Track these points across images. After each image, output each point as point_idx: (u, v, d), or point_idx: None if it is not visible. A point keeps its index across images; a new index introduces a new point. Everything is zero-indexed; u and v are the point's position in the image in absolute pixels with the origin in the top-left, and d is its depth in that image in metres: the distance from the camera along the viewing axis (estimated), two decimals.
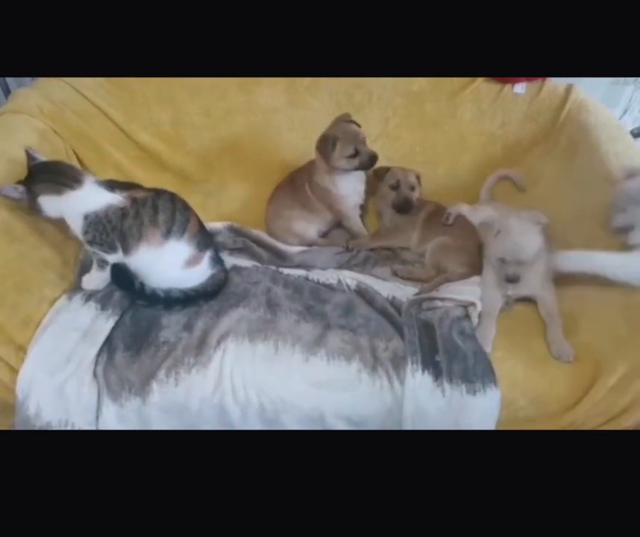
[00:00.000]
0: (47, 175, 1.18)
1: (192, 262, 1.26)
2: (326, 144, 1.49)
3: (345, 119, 1.53)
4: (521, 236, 1.30)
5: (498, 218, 1.37)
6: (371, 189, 1.70)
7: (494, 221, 1.36)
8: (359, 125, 1.52)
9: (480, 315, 1.31)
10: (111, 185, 1.21)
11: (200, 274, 1.29)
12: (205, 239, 1.31)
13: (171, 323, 1.23)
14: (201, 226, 1.32)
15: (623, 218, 1.24)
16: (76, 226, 1.20)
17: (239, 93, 1.65)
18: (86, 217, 1.17)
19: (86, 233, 1.19)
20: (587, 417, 1.17)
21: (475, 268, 1.49)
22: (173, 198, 1.27)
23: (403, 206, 1.60)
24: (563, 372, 1.20)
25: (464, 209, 1.57)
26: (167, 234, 1.22)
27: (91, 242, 1.20)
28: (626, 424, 1.16)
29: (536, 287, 1.33)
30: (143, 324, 1.23)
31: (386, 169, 1.62)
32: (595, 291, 1.28)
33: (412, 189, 1.61)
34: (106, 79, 1.56)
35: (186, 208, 1.28)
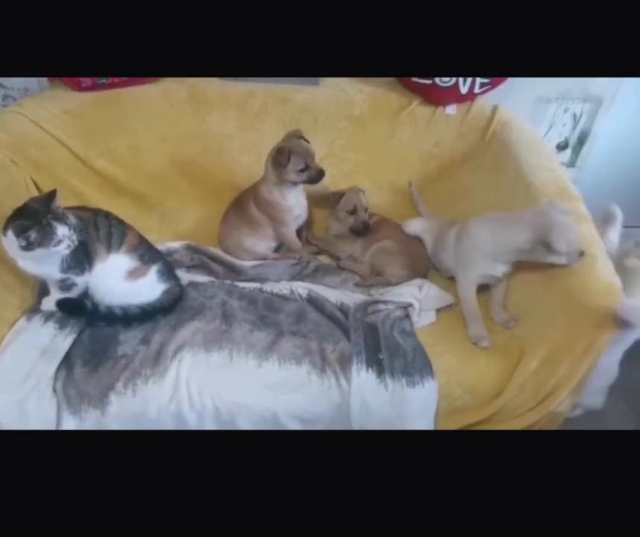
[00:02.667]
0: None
1: (135, 274, 1.32)
2: (282, 156, 1.55)
3: (296, 135, 1.61)
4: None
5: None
6: (320, 206, 1.80)
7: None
8: (308, 141, 1.61)
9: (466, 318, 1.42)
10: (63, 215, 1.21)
11: (149, 287, 1.35)
12: (150, 254, 1.37)
13: (129, 338, 1.29)
14: (142, 240, 1.38)
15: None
16: (53, 257, 1.21)
17: (192, 120, 1.73)
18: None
19: (63, 261, 1.22)
20: (516, 402, 1.29)
21: (416, 271, 1.61)
22: (108, 214, 1.34)
23: (362, 230, 1.69)
24: (493, 362, 1.31)
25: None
26: (108, 248, 1.29)
27: (67, 269, 1.24)
28: (552, 406, 1.29)
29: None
30: (101, 341, 1.28)
31: (341, 194, 1.70)
32: (519, 285, 1.42)
33: (366, 210, 1.71)
34: (63, 110, 1.61)
35: (121, 223, 1.35)
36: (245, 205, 1.70)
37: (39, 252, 1.14)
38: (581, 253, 1.25)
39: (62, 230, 1.16)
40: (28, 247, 1.13)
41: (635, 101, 1.99)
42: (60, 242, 1.16)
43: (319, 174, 1.60)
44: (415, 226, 1.68)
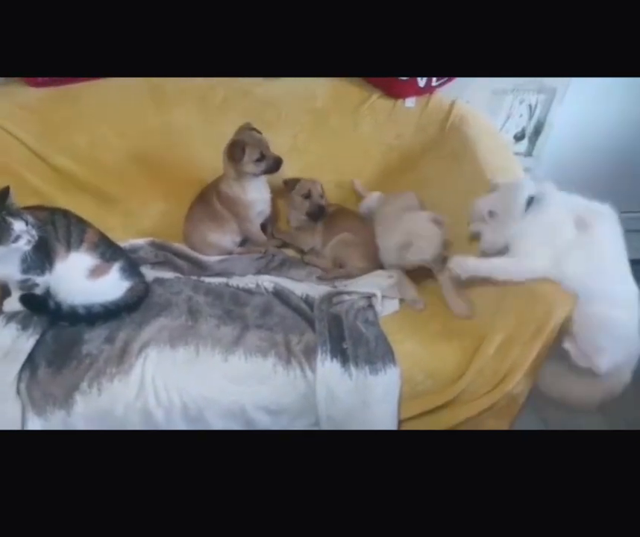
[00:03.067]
0: None
1: (97, 272, 1.31)
2: (236, 149, 1.57)
3: (248, 127, 1.63)
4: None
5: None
6: (283, 198, 1.82)
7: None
8: (260, 132, 1.63)
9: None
10: (18, 211, 1.20)
11: (111, 284, 1.34)
12: (111, 251, 1.37)
13: (93, 337, 1.28)
14: (103, 238, 1.37)
15: (474, 227, 1.44)
16: (12, 258, 1.20)
17: (153, 115, 1.71)
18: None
19: (23, 261, 1.21)
20: (475, 385, 1.34)
21: (376, 261, 1.66)
22: (66, 213, 1.33)
23: (317, 213, 1.73)
24: (453, 347, 1.36)
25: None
26: (68, 247, 1.28)
27: (27, 270, 1.22)
28: (507, 388, 1.34)
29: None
30: (65, 341, 1.27)
31: (296, 180, 1.74)
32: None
33: (322, 196, 1.75)
34: (18, 106, 1.58)
35: (80, 221, 1.34)
36: (208, 200, 1.71)
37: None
38: (443, 259, 1.37)
39: (18, 226, 1.14)
40: None
41: (587, 90, 2.07)
42: (18, 237, 1.15)
43: (276, 162, 1.61)
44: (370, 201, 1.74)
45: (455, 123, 1.75)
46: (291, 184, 1.74)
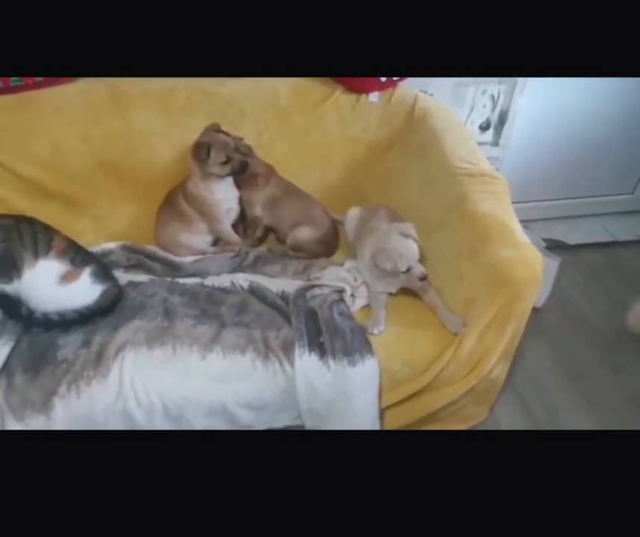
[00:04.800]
0: None
1: (67, 277, 1.31)
2: (201, 150, 1.56)
3: (214, 128, 1.62)
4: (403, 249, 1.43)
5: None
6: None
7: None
8: (227, 134, 1.62)
9: (370, 304, 1.50)
10: None
11: (83, 289, 1.33)
12: (81, 256, 1.36)
13: (69, 342, 1.28)
14: (72, 243, 1.36)
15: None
16: None
17: (114, 118, 1.68)
18: None
19: None
20: (451, 370, 1.39)
21: (333, 247, 1.77)
22: (32, 220, 1.32)
23: (239, 169, 1.63)
24: (427, 335, 1.42)
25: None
26: (36, 255, 1.27)
27: None
28: (484, 372, 1.40)
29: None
30: (40, 347, 1.26)
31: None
32: (447, 266, 1.51)
33: (237, 149, 1.64)
34: None
35: (47, 228, 1.34)
36: (175, 201, 1.70)
37: None
38: (420, 277, 1.41)
39: None
40: None
41: (546, 80, 2.13)
42: None
43: (242, 165, 1.62)
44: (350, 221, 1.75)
45: (420, 116, 1.78)
46: (245, 164, 1.65)
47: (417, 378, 1.39)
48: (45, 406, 1.18)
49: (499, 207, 1.45)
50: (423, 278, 1.42)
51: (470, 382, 1.41)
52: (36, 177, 1.64)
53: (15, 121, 1.60)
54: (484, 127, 2.28)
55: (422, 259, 1.44)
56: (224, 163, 1.59)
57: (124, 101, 1.69)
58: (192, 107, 1.74)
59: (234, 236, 1.77)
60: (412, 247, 1.42)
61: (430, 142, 1.71)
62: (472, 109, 2.21)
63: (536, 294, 1.36)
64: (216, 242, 1.79)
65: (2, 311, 1.27)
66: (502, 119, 2.24)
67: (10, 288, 1.25)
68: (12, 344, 1.25)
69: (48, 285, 1.28)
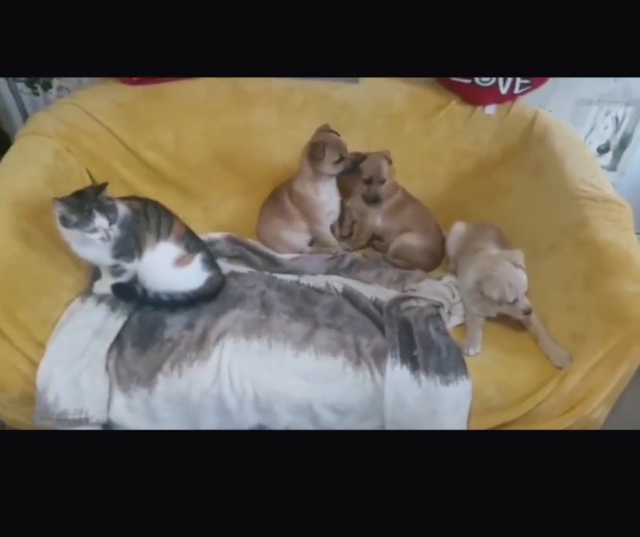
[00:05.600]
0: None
1: (182, 261, 1.38)
2: (317, 149, 1.62)
3: (326, 129, 1.67)
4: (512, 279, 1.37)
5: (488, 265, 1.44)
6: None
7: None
8: (338, 134, 1.66)
9: (467, 324, 1.45)
10: (108, 208, 1.28)
11: (193, 274, 1.41)
12: (194, 243, 1.44)
13: (174, 322, 1.35)
14: (188, 230, 1.44)
15: None
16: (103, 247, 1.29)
17: (235, 114, 1.78)
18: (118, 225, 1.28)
19: (115, 246, 1.29)
20: (548, 404, 1.29)
21: (437, 261, 1.72)
22: (157, 205, 1.41)
23: (372, 201, 1.73)
24: (526, 364, 1.33)
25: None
26: (157, 237, 1.35)
27: (117, 256, 1.32)
28: (585, 412, 1.29)
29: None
30: (149, 324, 1.35)
31: (362, 158, 1.71)
32: (555, 294, 1.42)
33: (383, 182, 1.71)
34: (114, 103, 1.69)
35: (169, 213, 1.42)
36: (279, 198, 1.76)
37: (76, 233, 1.23)
38: (525, 311, 1.34)
39: (100, 221, 1.23)
40: (65, 223, 1.21)
41: None
42: (94, 230, 1.23)
43: (354, 164, 1.66)
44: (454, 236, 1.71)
45: (539, 133, 1.69)
46: (357, 161, 1.71)
47: (511, 408, 1.32)
48: (149, 381, 1.25)
49: (624, 237, 1.34)
50: (527, 312, 1.35)
51: (567, 420, 1.31)
52: (159, 164, 1.77)
53: (146, 111, 1.73)
54: (602, 150, 2.13)
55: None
56: (337, 162, 1.64)
57: (245, 99, 1.78)
58: (307, 108, 1.79)
59: (332, 239, 1.79)
60: (521, 278, 1.35)
61: (548, 161, 1.61)
62: (592, 129, 2.07)
63: None
64: (312, 242, 1.83)
65: (118, 294, 1.37)
66: (623, 143, 2.09)
67: (129, 266, 1.35)
68: (125, 318, 1.34)
69: (164, 266, 1.37)
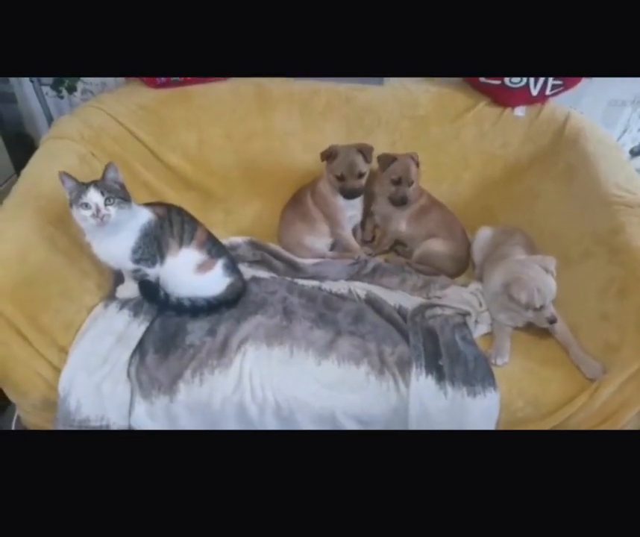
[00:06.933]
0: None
1: (203, 267, 1.37)
2: (327, 151, 1.64)
3: (366, 148, 1.65)
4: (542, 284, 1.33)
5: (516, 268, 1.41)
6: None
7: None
8: (369, 161, 1.66)
9: (494, 332, 1.41)
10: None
11: (215, 280, 1.40)
12: (216, 248, 1.42)
13: (196, 328, 1.34)
14: (210, 236, 1.43)
15: None
16: (124, 246, 1.28)
17: (257, 118, 1.77)
18: (140, 229, 1.28)
19: (136, 250, 1.28)
20: (579, 418, 1.24)
21: (463, 268, 1.68)
22: (180, 211, 1.40)
23: (399, 203, 1.70)
24: (556, 376, 1.29)
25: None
26: (180, 243, 1.34)
27: (139, 260, 1.30)
28: (617, 426, 1.24)
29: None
30: (171, 330, 1.34)
31: (392, 159, 1.68)
32: (588, 303, 1.37)
33: (411, 184, 1.68)
34: (138, 106, 1.69)
35: (193, 219, 1.41)
36: (302, 199, 1.75)
37: (75, 211, 1.20)
38: (550, 320, 1.30)
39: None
40: (70, 201, 1.21)
41: None
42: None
43: (351, 193, 1.65)
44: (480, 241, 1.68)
45: (571, 136, 1.64)
46: (387, 161, 1.69)
47: (540, 420, 1.27)
48: (170, 388, 1.24)
49: None
50: (552, 321, 1.31)
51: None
52: (181, 167, 1.77)
53: (171, 114, 1.73)
54: (636, 152, 2.06)
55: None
56: (337, 178, 1.65)
57: (269, 101, 1.77)
58: (331, 111, 1.77)
59: (354, 243, 1.76)
60: (550, 284, 1.31)
61: (580, 165, 1.56)
62: (625, 131, 2.00)
63: None
64: (333, 246, 1.81)
65: (143, 293, 1.36)
66: None
67: (151, 271, 1.35)
68: (147, 324, 1.34)
69: (186, 272, 1.36)
